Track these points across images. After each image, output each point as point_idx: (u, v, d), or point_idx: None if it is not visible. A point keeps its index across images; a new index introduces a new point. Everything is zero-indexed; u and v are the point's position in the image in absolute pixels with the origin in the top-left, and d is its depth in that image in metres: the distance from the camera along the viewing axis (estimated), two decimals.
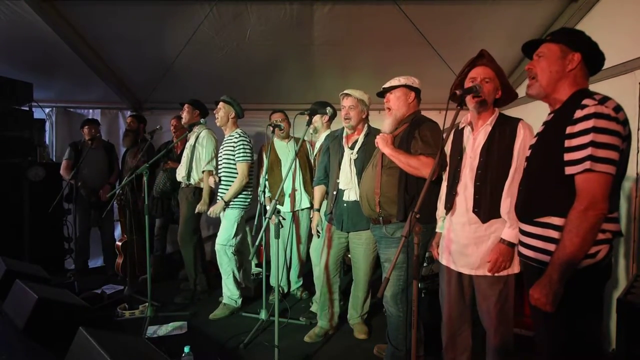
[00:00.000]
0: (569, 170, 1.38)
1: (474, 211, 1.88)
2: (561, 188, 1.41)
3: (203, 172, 3.53)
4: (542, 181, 1.51)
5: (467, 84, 1.92)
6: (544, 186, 1.50)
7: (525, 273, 1.65)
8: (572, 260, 1.34)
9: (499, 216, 1.85)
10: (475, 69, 1.93)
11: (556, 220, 1.43)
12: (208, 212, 3.36)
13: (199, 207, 3.50)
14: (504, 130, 1.86)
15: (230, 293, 3.34)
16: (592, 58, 1.51)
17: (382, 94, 2.40)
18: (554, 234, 1.44)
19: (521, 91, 3.69)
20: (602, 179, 1.32)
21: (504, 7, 3.10)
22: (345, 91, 2.73)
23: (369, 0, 3.13)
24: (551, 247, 1.43)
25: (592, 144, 1.32)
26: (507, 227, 1.82)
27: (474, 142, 1.93)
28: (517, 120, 1.89)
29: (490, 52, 1.94)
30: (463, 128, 2.03)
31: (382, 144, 2.25)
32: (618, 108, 1.36)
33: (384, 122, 2.36)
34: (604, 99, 1.37)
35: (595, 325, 1.49)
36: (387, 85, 2.37)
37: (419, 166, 2.13)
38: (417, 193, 2.18)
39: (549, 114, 1.57)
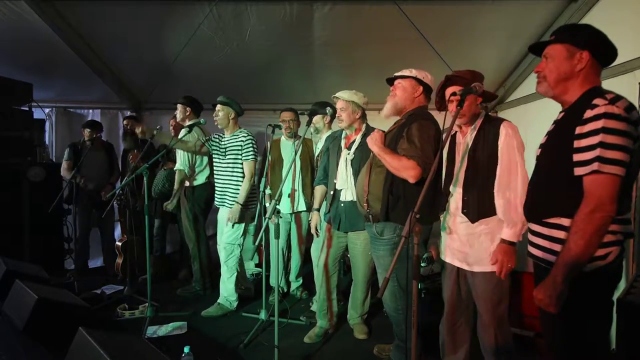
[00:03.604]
0: (577, 171, 1.36)
1: (462, 212, 1.96)
2: (570, 189, 1.38)
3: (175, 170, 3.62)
4: (551, 181, 1.50)
5: (449, 97, 1.95)
6: (552, 186, 1.48)
7: (535, 273, 1.66)
8: (576, 262, 1.32)
9: (488, 215, 1.91)
10: (450, 88, 1.99)
11: (565, 221, 1.41)
12: (227, 221, 3.28)
13: (165, 205, 3.63)
14: (488, 133, 1.92)
15: (227, 294, 3.34)
16: (602, 52, 1.47)
17: (392, 81, 2.35)
18: (559, 234, 1.43)
19: (521, 91, 3.73)
20: (610, 180, 1.30)
21: (504, 7, 3.10)
22: (335, 95, 2.76)
23: (369, 0, 3.13)
24: (557, 247, 1.42)
25: (601, 145, 1.29)
26: (505, 227, 1.87)
27: (462, 146, 2.01)
28: (501, 121, 1.94)
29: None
30: (456, 132, 2.10)
31: (371, 143, 2.23)
32: (630, 107, 1.33)
33: (385, 106, 2.34)
34: (616, 99, 1.33)
35: (604, 328, 1.46)
36: (398, 73, 2.33)
37: (399, 168, 2.11)
38: (402, 194, 2.18)
39: (560, 112, 1.55)
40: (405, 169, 2.08)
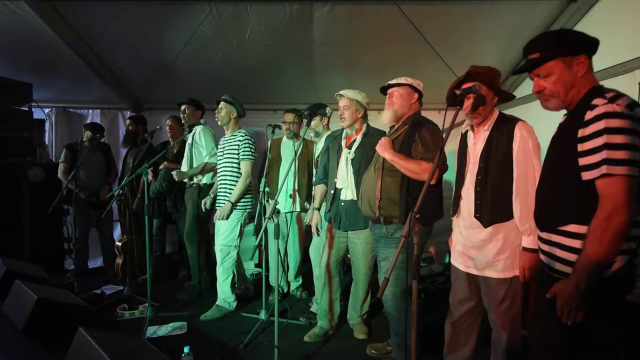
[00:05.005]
0: (585, 175, 1.30)
1: (475, 216, 1.90)
2: (575, 194, 1.35)
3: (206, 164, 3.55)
4: (556, 187, 1.46)
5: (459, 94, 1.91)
6: (558, 193, 1.44)
7: (536, 277, 1.65)
8: (597, 269, 1.28)
9: (502, 220, 1.86)
10: (466, 84, 1.91)
11: (571, 228, 1.38)
12: (214, 218, 3.31)
13: (204, 201, 3.50)
14: (502, 134, 1.86)
15: (224, 296, 3.32)
16: (593, 48, 1.45)
17: (385, 89, 2.42)
18: (560, 239, 1.41)
19: (521, 91, 3.72)
20: (623, 182, 1.23)
21: (503, 7, 3.10)
22: (339, 92, 2.77)
23: (369, 0, 3.14)
24: (558, 252, 1.41)
25: (607, 146, 1.24)
26: (524, 235, 1.83)
27: (474, 147, 1.95)
28: (515, 122, 1.87)
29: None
30: (467, 131, 2.04)
31: (382, 149, 2.28)
32: (632, 105, 1.27)
33: (383, 114, 2.42)
34: (616, 97, 1.29)
35: (606, 335, 1.41)
36: (392, 81, 2.40)
37: (419, 171, 2.17)
38: (419, 195, 2.18)
39: (564, 114, 1.52)
40: (426, 172, 2.11)
